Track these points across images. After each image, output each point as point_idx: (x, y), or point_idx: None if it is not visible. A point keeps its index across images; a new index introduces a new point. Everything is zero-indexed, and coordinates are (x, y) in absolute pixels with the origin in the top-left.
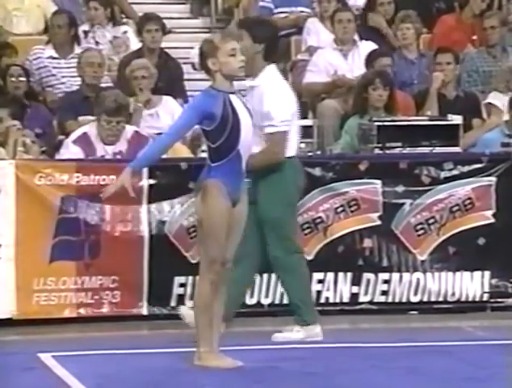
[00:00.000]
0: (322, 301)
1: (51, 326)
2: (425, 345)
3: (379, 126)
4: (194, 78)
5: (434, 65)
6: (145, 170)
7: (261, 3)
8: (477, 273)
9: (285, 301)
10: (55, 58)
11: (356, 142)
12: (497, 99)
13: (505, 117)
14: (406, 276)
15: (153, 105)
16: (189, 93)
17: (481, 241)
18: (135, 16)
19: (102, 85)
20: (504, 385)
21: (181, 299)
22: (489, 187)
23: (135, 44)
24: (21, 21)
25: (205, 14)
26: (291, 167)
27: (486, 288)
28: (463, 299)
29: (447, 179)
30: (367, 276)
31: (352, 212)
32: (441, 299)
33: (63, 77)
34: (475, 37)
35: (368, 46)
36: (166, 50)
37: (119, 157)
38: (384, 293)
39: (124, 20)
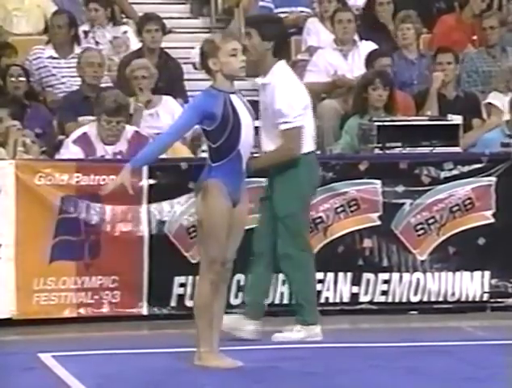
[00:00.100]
0: (322, 301)
1: (51, 326)
2: (426, 345)
3: (379, 126)
4: (194, 78)
5: (434, 65)
6: (145, 170)
7: (261, 3)
8: (477, 273)
9: (285, 301)
10: (55, 58)
11: (356, 142)
12: (497, 99)
13: (506, 117)
14: (406, 276)
15: (153, 105)
16: (189, 93)
17: (481, 241)
18: (135, 16)
19: (102, 85)
20: (504, 385)
21: (181, 299)
22: (489, 187)
23: (135, 44)
24: (21, 21)
25: (205, 14)
26: (307, 164)
27: (486, 288)
28: (463, 299)
29: (447, 179)
30: (367, 276)
31: (352, 212)
32: (441, 299)
33: (63, 77)
34: (475, 37)
35: (368, 46)
36: (166, 50)
37: (119, 157)
38: (384, 293)
39: (124, 20)
